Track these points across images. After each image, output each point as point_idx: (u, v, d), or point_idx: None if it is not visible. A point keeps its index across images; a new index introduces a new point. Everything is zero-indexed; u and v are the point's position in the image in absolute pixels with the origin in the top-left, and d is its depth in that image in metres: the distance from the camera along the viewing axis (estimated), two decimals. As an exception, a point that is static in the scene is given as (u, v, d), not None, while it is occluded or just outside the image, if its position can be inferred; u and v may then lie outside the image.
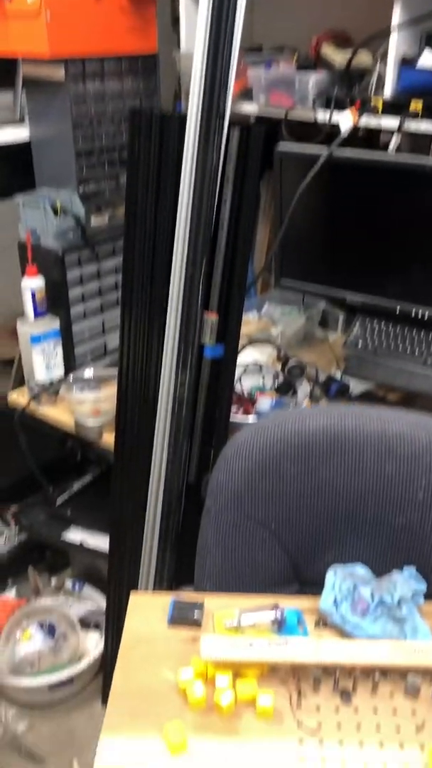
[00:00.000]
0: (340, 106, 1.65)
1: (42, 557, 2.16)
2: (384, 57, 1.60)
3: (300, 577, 1.08)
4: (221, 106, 1.20)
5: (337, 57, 1.73)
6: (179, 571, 1.50)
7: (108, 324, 1.93)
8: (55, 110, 1.73)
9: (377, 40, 1.61)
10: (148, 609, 0.95)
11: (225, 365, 1.40)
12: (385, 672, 0.85)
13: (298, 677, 0.85)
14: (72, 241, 1.78)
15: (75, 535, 1.96)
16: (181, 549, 1.48)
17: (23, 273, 1.77)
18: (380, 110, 1.59)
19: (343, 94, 1.68)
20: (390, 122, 1.59)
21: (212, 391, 1.40)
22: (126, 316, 1.40)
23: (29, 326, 1.79)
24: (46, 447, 1.92)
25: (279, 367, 1.78)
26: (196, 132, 1.21)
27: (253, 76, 1.81)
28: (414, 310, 1.67)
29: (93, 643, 1.90)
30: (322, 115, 1.70)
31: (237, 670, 0.84)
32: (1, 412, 1.86)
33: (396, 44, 1.56)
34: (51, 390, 1.81)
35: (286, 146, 1.72)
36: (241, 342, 1.56)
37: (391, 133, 1.65)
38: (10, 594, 2.07)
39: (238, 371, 1.62)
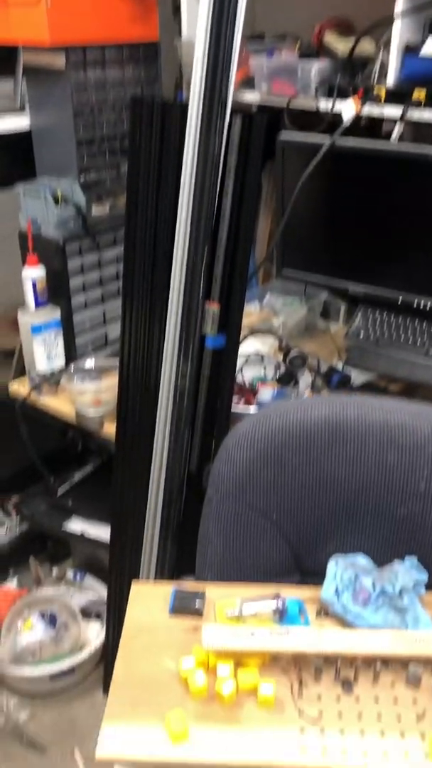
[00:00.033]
0: (343, 94, 1.64)
1: (43, 547, 2.16)
2: (387, 45, 1.58)
3: (301, 567, 1.08)
4: (223, 93, 1.20)
5: (340, 45, 1.72)
6: (180, 560, 1.50)
7: (109, 314, 1.93)
8: (55, 98, 1.72)
9: (380, 27, 1.59)
10: (149, 598, 0.95)
11: (226, 355, 1.39)
12: (387, 661, 0.85)
13: (300, 667, 0.85)
14: (73, 231, 1.77)
15: (76, 525, 1.96)
16: (182, 539, 1.48)
17: (24, 262, 1.77)
18: (383, 99, 1.58)
19: (345, 82, 1.67)
20: (393, 111, 1.58)
21: (213, 381, 1.40)
22: (127, 306, 1.40)
23: (30, 316, 1.79)
24: (47, 437, 1.92)
25: (280, 357, 1.78)
26: (198, 120, 1.20)
27: (255, 65, 1.79)
28: (416, 301, 1.66)
29: (94, 633, 1.91)
30: (324, 104, 1.68)
31: (238, 659, 0.84)
32: (2, 403, 1.86)
33: (399, 32, 1.54)
34: (52, 380, 1.80)
35: (288, 135, 1.71)
36: (243, 332, 1.55)
37: (394, 122, 1.64)
38: (12, 584, 2.07)
39: (239, 362, 1.61)
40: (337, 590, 0.93)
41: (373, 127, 1.82)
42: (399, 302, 1.69)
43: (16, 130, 1.85)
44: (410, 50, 1.56)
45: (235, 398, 1.55)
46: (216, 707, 0.81)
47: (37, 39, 1.59)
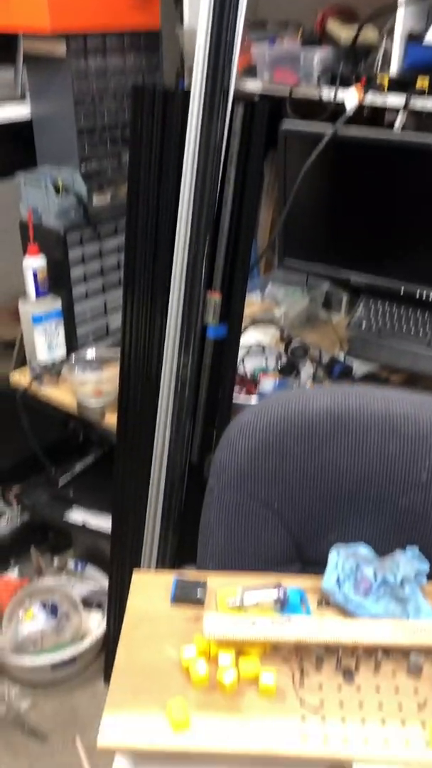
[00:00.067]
0: (346, 83, 1.63)
1: (44, 538, 2.17)
2: (390, 33, 1.57)
3: (302, 557, 1.08)
4: (225, 82, 1.19)
5: (343, 33, 1.70)
6: (181, 550, 1.51)
7: (110, 304, 1.92)
8: (56, 87, 1.71)
9: (383, 15, 1.58)
10: (151, 587, 0.95)
11: (228, 345, 1.39)
12: (388, 651, 0.85)
13: (301, 656, 0.85)
14: (74, 220, 1.76)
15: (77, 516, 1.96)
16: (184, 529, 1.48)
17: (24, 252, 1.76)
18: (386, 87, 1.57)
19: (348, 70, 1.66)
20: (396, 100, 1.57)
21: (215, 371, 1.40)
22: (128, 296, 1.39)
23: (31, 306, 1.78)
24: (48, 428, 1.92)
25: (282, 348, 1.77)
26: (200, 108, 1.20)
27: (256, 53, 1.78)
28: (419, 291, 1.66)
29: (95, 623, 1.91)
30: (326, 93, 1.67)
31: (240, 648, 0.84)
32: (3, 393, 1.86)
33: (402, 20, 1.53)
34: (53, 370, 1.80)
35: (290, 124, 1.70)
36: (244, 323, 1.55)
37: (396, 112, 1.63)
38: (13, 574, 2.08)
39: (240, 352, 1.61)
40: (338, 580, 0.93)
41: (375, 117, 1.81)
42: (401, 293, 1.69)
43: (17, 119, 1.84)
44: (413, 38, 1.55)
45: (236, 389, 1.55)
46: (217, 696, 0.81)
47: (37, 26, 1.58)
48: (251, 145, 1.25)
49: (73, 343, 1.86)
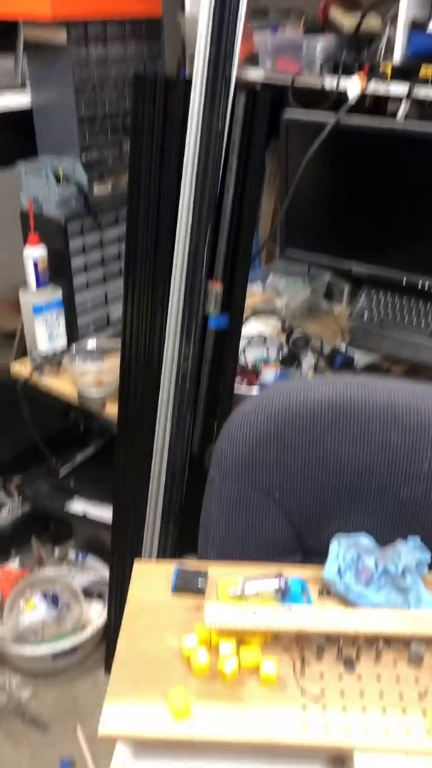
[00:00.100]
0: (348, 71, 1.62)
1: (45, 528, 2.17)
2: (393, 21, 1.56)
3: (304, 547, 1.08)
4: (227, 70, 1.18)
5: (346, 21, 1.69)
6: (182, 540, 1.51)
7: (111, 294, 1.92)
8: (56, 75, 1.70)
9: (386, 3, 1.57)
10: (151, 577, 0.95)
11: (229, 336, 1.39)
12: (389, 641, 0.85)
13: (302, 645, 0.85)
14: (74, 210, 1.76)
15: (78, 506, 1.96)
16: (184, 519, 1.48)
17: (25, 242, 1.76)
18: (389, 76, 1.56)
19: (351, 59, 1.64)
20: (399, 88, 1.56)
21: (216, 362, 1.39)
22: (129, 286, 1.39)
23: (31, 296, 1.78)
24: (49, 418, 1.92)
25: (283, 338, 1.77)
26: (202, 97, 1.19)
27: (258, 41, 1.77)
28: (421, 282, 1.65)
29: (96, 613, 1.92)
30: (329, 81, 1.66)
31: (241, 637, 0.84)
32: (3, 384, 1.86)
33: (406, 7, 1.52)
34: (54, 361, 1.80)
35: (292, 113, 1.69)
36: (246, 314, 1.54)
37: (399, 101, 1.62)
38: (14, 564, 2.08)
39: (242, 343, 1.61)
40: (339, 570, 0.92)
41: (377, 107, 1.80)
42: (403, 283, 1.68)
43: (17, 108, 1.83)
44: (417, 26, 1.54)
45: (237, 380, 1.54)
46: (218, 685, 0.81)
47: (38, 14, 1.57)
48: (253, 134, 1.24)
49: (73, 334, 1.85)
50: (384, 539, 0.99)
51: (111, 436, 1.77)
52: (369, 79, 1.58)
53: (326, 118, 1.60)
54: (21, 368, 1.83)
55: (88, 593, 1.95)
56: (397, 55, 1.56)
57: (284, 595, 0.89)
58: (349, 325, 1.74)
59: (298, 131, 1.68)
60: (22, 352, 1.95)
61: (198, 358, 1.37)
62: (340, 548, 0.95)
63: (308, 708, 0.78)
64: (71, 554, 2.06)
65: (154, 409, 1.42)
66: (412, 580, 0.91)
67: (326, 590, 0.93)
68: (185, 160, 1.23)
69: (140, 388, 1.44)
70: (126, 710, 0.78)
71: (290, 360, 1.68)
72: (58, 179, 1.73)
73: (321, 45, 1.67)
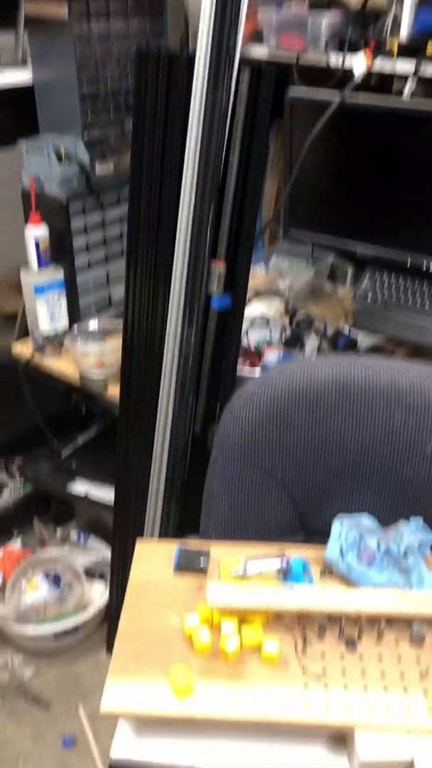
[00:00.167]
0: (354, 48, 1.60)
1: (47, 509, 2.17)
2: (401, -3, 1.54)
3: (306, 527, 1.08)
4: (231, 46, 1.16)
5: (352, -3, 1.66)
6: (183, 521, 1.51)
7: (113, 275, 1.90)
8: (58, 51, 1.68)
9: (394, -22, 1.54)
10: (154, 556, 0.95)
11: (232, 316, 1.38)
12: (391, 621, 0.85)
13: (304, 625, 0.85)
14: (76, 189, 1.74)
15: (80, 487, 1.97)
16: (186, 499, 1.48)
17: (27, 221, 1.74)
18: (395, 53, 1.54)
19: (357, 35, 1.62)
20: (405, 66, 1.54)
21: (219, 342, 1.39)
22: (131, 266, 1.38)
23: (33, 276, 1.77)
24: (51, 399, 1.92)
25: (286, 320, 1.76)
26: (205, 73, 1.17)
27: (263, 18, 1.75)
28: (426, 263, 1.64)
29: (98, 593, 1.92)
30: (334, 59, 1.64)
31: (242, 616, 0.84)
32: (5, 365, 1.85)
33: (413, -17, 1.50)
34: (55, 341, 1.79)
35: (296, 91, 1.67)
36: (249, 295, 1.53)
37: (405, 79, 1.60)
38: (16, 545, 2.09)
39: (245, 324, 1.59)
40: (341, 550, 0.92)
41: (383, 86, 1.77)
42: (408, 264, 1.67)
43: (18, 85, 1.81)
44: (424, 2, 1.52)
45: (240, 361, 1.54)
46: (220, 663, 0.81)
47: (39, -12, 1.55)
48: (257, 112, 1.22)
49: (75, 314, 1.84)
50: (386, 519, 0.98)
51: (113, 417, 1.76)
52: (375, 57, 1.56)
53: (331, 96, 1.58)
54: (22, 349, 1.82)
55: (90, 573, 1.96)
56: (404, 32, 1.54)
57: (286, 574, 0.89)
58: (353, 306, 1.73)
59: (302, 110, 1.66)
60: (24, 332, 1.94)
61: (200, 339, 1.36)
62: (343, 528, 0.95)
63: (310, 687, 0.78)
64: (73, 535, 2.07)
65: (156, 390, 1.41)
66: (414, 560, 0.91)
67: (328, 570, 0.93)
68: (188, 138, 1.22)
69: (142, 369, 1.43)
70: (128, 688, 0.78)
71: (293, 342, 1.67)
72: (59, 158, 1.71)
73: (326, 21, 1.64)
